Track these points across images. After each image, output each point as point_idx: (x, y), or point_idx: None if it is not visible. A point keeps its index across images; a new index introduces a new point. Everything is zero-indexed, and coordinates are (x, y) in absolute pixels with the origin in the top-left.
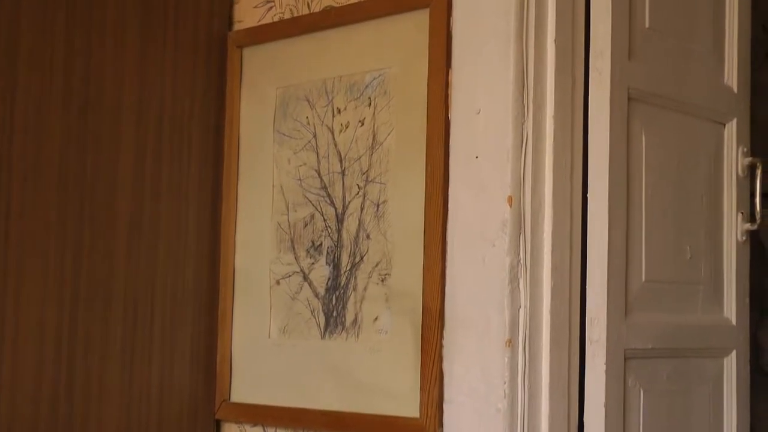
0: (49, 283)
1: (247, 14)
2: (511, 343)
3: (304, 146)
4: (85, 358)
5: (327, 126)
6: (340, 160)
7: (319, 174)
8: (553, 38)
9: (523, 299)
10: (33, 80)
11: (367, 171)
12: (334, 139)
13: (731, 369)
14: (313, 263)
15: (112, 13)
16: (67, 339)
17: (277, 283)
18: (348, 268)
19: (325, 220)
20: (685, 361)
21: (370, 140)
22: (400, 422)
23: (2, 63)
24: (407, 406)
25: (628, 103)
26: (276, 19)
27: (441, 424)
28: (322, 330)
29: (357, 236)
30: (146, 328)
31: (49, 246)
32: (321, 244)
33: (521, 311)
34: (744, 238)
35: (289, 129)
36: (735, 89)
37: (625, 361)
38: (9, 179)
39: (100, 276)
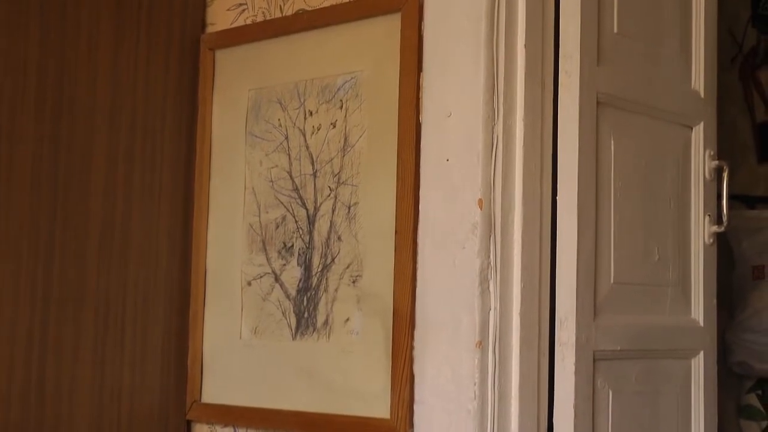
0: (21, 284)
1: (220, 17)
2: (482, 344)
3: (276, 148)
4: (56, 359)
5: (299, 128)
6: (312, 162)
7: (290, 176)
8: (523, 43)
9: (494, 301)
10: (6, 83)
11: (338, 173)
12: (305, 141)
13: (699, 370)
14: (284, 264)
15: (85, 16)
16: (39, 340)
17: (249, 284)
18: (319, 270)
19: (296, 222)
20: (653, 362)
21: (342, 142)
22: (371, 423)
23: None
24: (378, 406)
25: (597, 106)
26: (248, 21)
27: (411, 425)
28: (294, 331)
29: (328, 238)
30: (118, 329)
31: (21, 248)
32: (292, 245)
33: (491, 313)
34: (711, 240)
35: (261, 131)
36: (702, 93)
37: (594, 362)
38: None
39: (72, 277)
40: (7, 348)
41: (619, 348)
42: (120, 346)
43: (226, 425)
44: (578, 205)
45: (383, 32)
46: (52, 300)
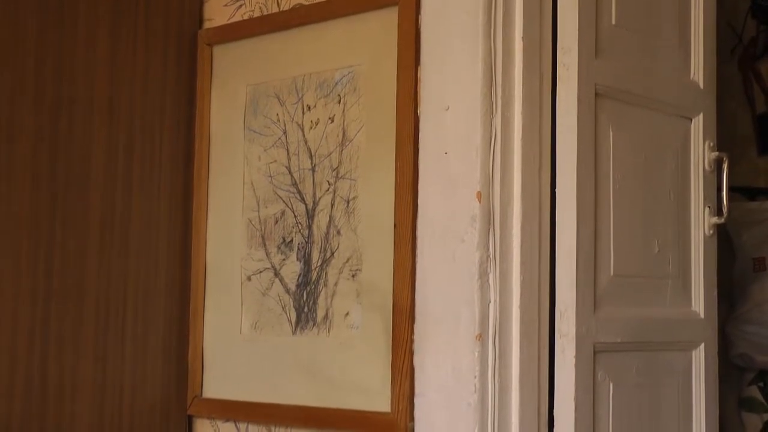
0: (22, 279)
1: (217, 12)
2: (481, 337)
3: (275, 143)
4: (58, 354)
5: (297, 123)
6: (311, 157)
7: (289, 171)
8: (521, 35)
9: (493, 294)
10: (5, 78)
11: (337, 167)
12: (304, 135)
13: (700, 362)
14: (284, 259)
15: (83, 12)
16: (40, 336)
17: (248, 279)
18: (319, 264)
19: (295, 217)
20: (654, 355)
21: (340, 137)
22: (372, 417)
23: None
24: (378, 400)
25: (596, 99)
26: (246, 17)
27: (412, 419)
28: (294, 325)
29: (327, 232)
30: (118, 324)
31: (21, 243)
32: (292, 240)
33: (491, 306)
34: (711, 231)
35: (259, 126)
36: (701, 85)
37: (594, 354)
38: None
39: (72, 273)
40: (9, 344)
41: (619, 340)
42: (121, 342)
43: (227, 420)
44: (577, 197)
45: (380, 26)
46: (52, 296)
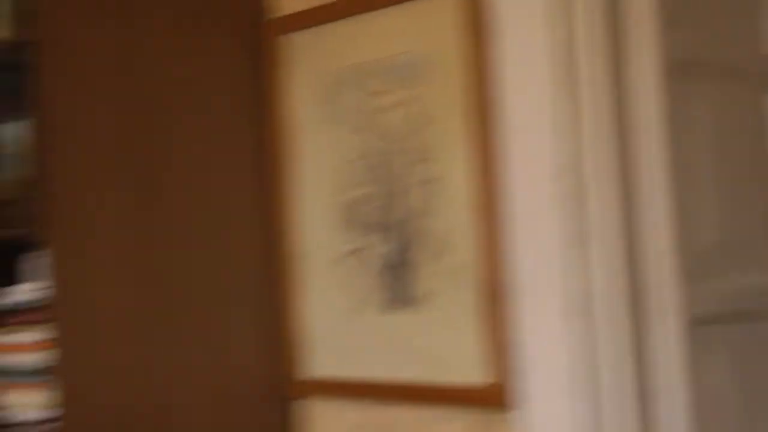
0: (124, 272)
1: (287, 1)
2: (574, 312)
3: (354, 129)
4: (162, 341)
5: (375, 107)
6: (391, 141)
7: (371, 154)
8: (596, 8)
9: (585, 268)
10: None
11: (418, 149)
12: (382, 120)
13: None
14: (372, 241)
15: (158, 8)
16: (143, 325)
17: (341, 261)
18: (408, 245)
19: (381, 199)
20: (755, 325)
21: (420, 119)
22: (474, 392)
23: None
24: (478, 375)
25: (673, 70)
26: (316, 4)
27: (513, 393)
28: (388, 305)
29: (414, 214)
30: (219, 309)
31: (119, 235)
32: (380, 222)
33: (584, 280)
34: None
35: (337, 112)
36: None
37: (693, 326)
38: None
39: (171, 261)
40: (113, 334)
41: (718, 311)
42: (223, 327)
43: (327, 399)
44: (666, 166)
45: (452, 6)
46: (149, 284)
